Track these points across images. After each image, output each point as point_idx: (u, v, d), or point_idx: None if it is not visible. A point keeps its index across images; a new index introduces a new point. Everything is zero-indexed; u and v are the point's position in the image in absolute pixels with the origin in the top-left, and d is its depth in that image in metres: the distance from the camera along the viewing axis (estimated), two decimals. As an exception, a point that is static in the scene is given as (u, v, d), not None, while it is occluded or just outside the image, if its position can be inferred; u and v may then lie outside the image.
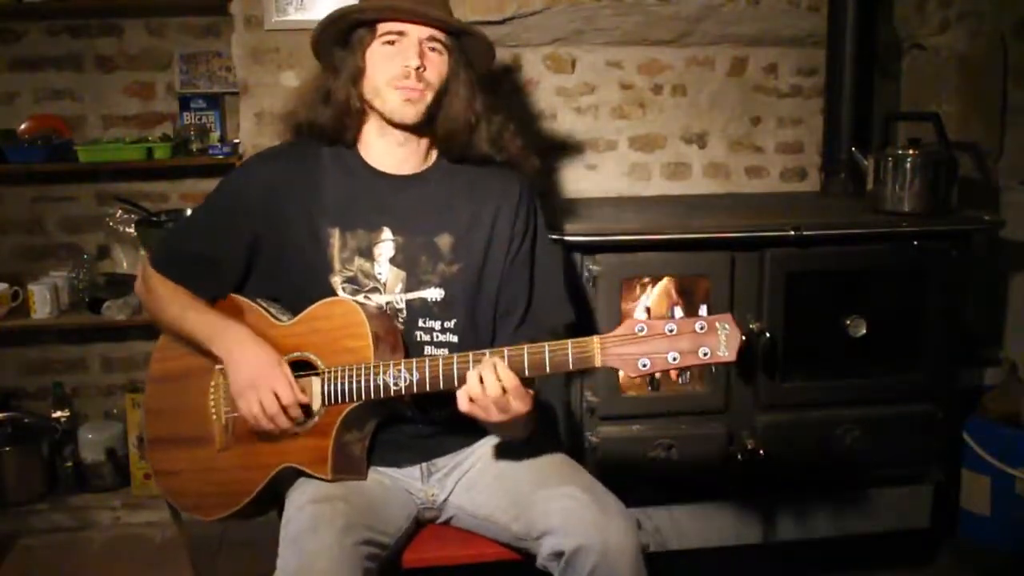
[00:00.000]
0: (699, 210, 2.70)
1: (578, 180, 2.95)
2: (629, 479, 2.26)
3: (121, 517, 3.01)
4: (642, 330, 1.49)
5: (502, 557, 1.78)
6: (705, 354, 1.48)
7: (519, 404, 1.56)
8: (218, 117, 3.16)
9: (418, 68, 1.73)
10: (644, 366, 1.49)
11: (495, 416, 1.56)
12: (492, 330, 1.85)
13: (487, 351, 1.60)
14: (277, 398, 1.65)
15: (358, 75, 1.77)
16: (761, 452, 2.40)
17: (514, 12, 2.71)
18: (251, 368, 1.68)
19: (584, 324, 1.94)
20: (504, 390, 1.54)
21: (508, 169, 1.88)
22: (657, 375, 1.52)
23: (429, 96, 1.76)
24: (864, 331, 2.41)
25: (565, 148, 2.93)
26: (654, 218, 2.55)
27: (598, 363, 1.52)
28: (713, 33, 2.89)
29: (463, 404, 1.57)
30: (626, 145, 2.98)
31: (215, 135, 3.14)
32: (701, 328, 1.48)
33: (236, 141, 2.98)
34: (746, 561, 2.57)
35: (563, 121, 2.93)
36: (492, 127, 1.84)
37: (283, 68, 2.72)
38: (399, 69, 1.73)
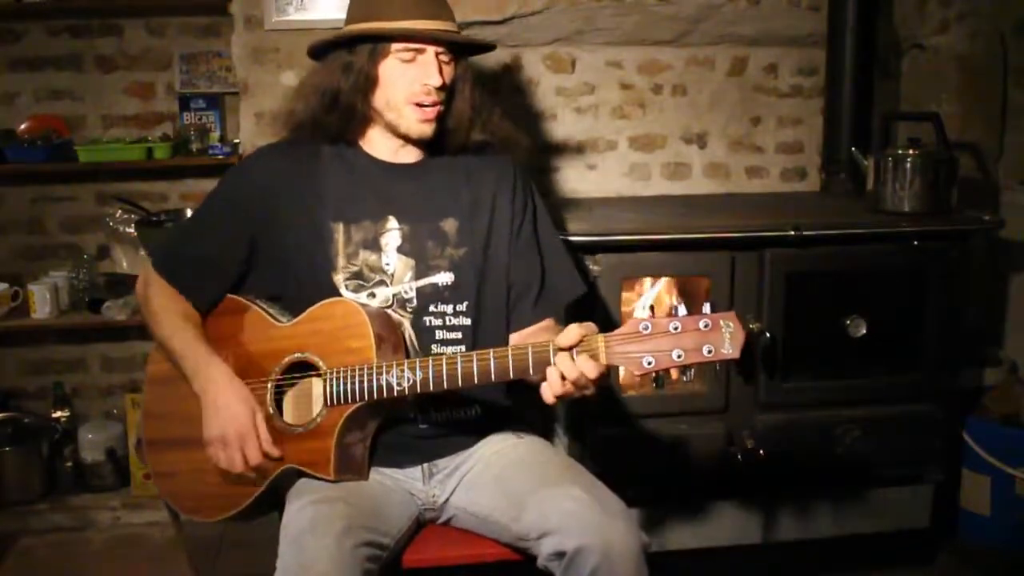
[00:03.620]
0: (699, 210, 2.70)
1: (578, 180, 2.96)
2: (629, 479, 2.26)
3: (121, 517, 3.01)
4: (646, 328, 1.48)
5: (503, 557, 1.77)
6: (709, 352, 1.47)
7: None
8: (218, 117, 3.16)
9: (439, 86, 1.74)
10: (648, 364, 1.48)
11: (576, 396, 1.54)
12: (505, 311, 1.86)
13: (488, 349, 1.58)
14: (245, 457, 1.68)
15: (370, 86, 1.76)
16: (761, 452, 2.40)
17: (514, 12, 2.71)
18: (223, 421, 1.69)
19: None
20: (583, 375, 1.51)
21: (501, 155, 1.90)
22: (661, 373, 1.52)
23: (442, 106, 1.78)
24: (864, 331, 2.41)
25: (565, 148, 2.94)
26: (654, 218, 2.55)
27: (603, 361, 1.52)
28: (713, 33, 2.88)
29: (550, 399, 1.54)
30: (626, 145, 2.98)
31: (215, 135, 3.13)
32: (705, 326, 1.47)
33: (236, 141, 2.98)
34: (746, 561, 2.57)
35: (563, 121, 2.93)
36: (484, 114, 1.86)
37: (283, 68, 2.72)
38: (419, 87, 1.74)
